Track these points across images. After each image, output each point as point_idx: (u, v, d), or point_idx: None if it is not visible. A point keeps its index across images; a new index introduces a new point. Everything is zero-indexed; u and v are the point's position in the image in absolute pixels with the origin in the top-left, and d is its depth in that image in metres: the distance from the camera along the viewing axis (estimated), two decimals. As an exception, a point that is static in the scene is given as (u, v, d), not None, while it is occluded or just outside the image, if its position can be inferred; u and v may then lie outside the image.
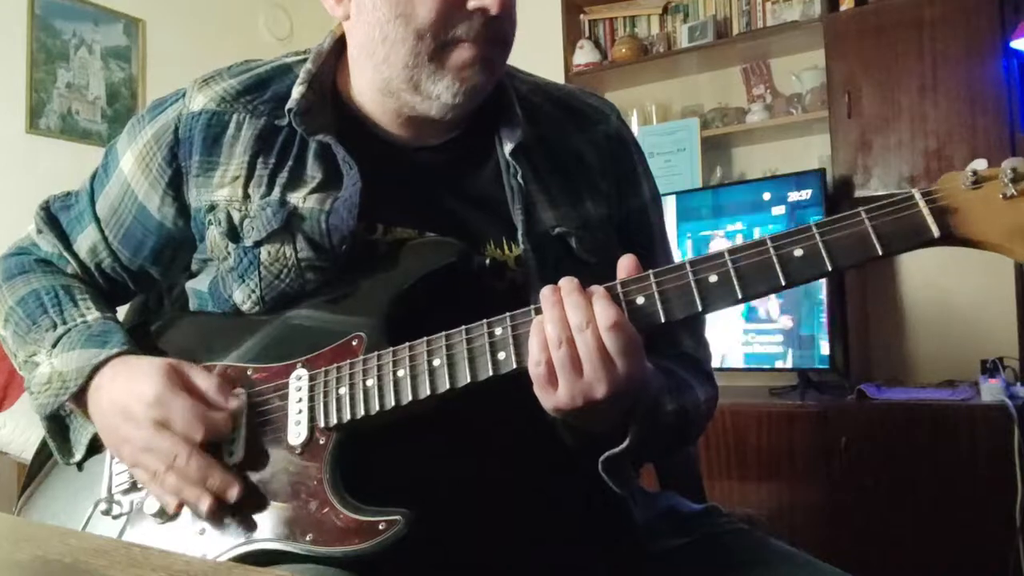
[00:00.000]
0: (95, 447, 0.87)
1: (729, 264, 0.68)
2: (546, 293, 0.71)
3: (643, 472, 0.97)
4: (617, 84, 3.41)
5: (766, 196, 2.83)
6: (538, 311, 0.72)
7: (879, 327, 2.93)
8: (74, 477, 0.89)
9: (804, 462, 2.47)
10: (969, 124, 2.59)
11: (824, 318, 2.67)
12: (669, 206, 2.92)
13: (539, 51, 3.02)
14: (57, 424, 0.89)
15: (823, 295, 2.67)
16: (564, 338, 0.68)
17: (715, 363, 1.00)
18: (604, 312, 0.68)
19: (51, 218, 0.97)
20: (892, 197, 0.67)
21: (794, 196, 2.77)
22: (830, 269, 0.67)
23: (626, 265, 0.72)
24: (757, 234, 2.83)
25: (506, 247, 0.86)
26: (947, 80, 2.62)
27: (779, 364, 2.76)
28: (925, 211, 0.65)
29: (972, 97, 2.58)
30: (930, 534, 2.26)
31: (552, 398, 0.70)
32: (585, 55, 3.34)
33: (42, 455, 0.95)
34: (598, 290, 0.70)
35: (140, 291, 1.00)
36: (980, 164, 0.66)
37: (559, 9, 3.35)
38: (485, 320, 0.74)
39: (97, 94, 3.15)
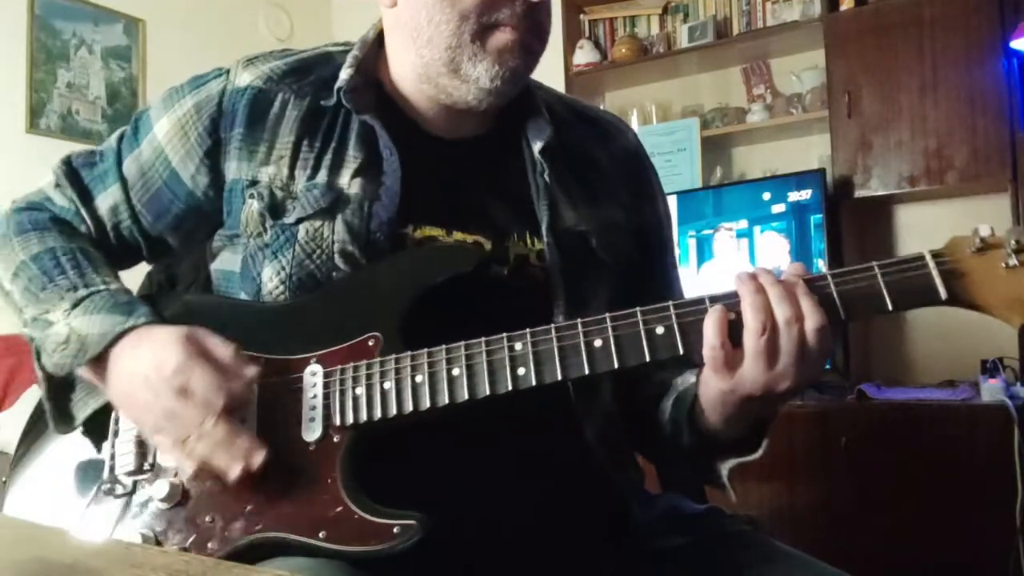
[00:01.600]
0: (89, 425, 0.85)
1: None
2: (744, 277, 0.72)
3: (644, 473, 0.98)
4: (617, 84, 3.41)
5: (766, 196, 2.83)
6: (559, 330, 0.74)
7: (879, 327, 2.93)
8: (68, 465, 0.87)
9: (804, 462, 2.46)
10: (969, 124, 2.59)
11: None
12: (669, 206, 2.91)
13: (539, 51, 3.01)
14: (61, 389, 0.87)
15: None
16: (768, 327, 0.70)
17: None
18: (814, 313, 0.70)
19: (72, 172, 0.96)
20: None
21: (794, 196, 2.77)
22: (844, 318, 0.70)
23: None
24: (757, 234, 2.83)
25: (529, 241, 0.89)
26: (947, 80, 2.62)
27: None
28: (935, 273, 0.68)
29: (972, 97, 2.58)
30: (930, 534, 2.25)
31: (727, 381, 0.73)
32: (585, 55, 3.33)
33: (29, 437, 0.92)
34: (800, 284, 0.71)
35: (151, 258, 0.99)
36: (984, 230, 0.69)
37: (559, 9, 3.35)
38: (505, 334, 0.75)
39: (97, 94, 3.15)
